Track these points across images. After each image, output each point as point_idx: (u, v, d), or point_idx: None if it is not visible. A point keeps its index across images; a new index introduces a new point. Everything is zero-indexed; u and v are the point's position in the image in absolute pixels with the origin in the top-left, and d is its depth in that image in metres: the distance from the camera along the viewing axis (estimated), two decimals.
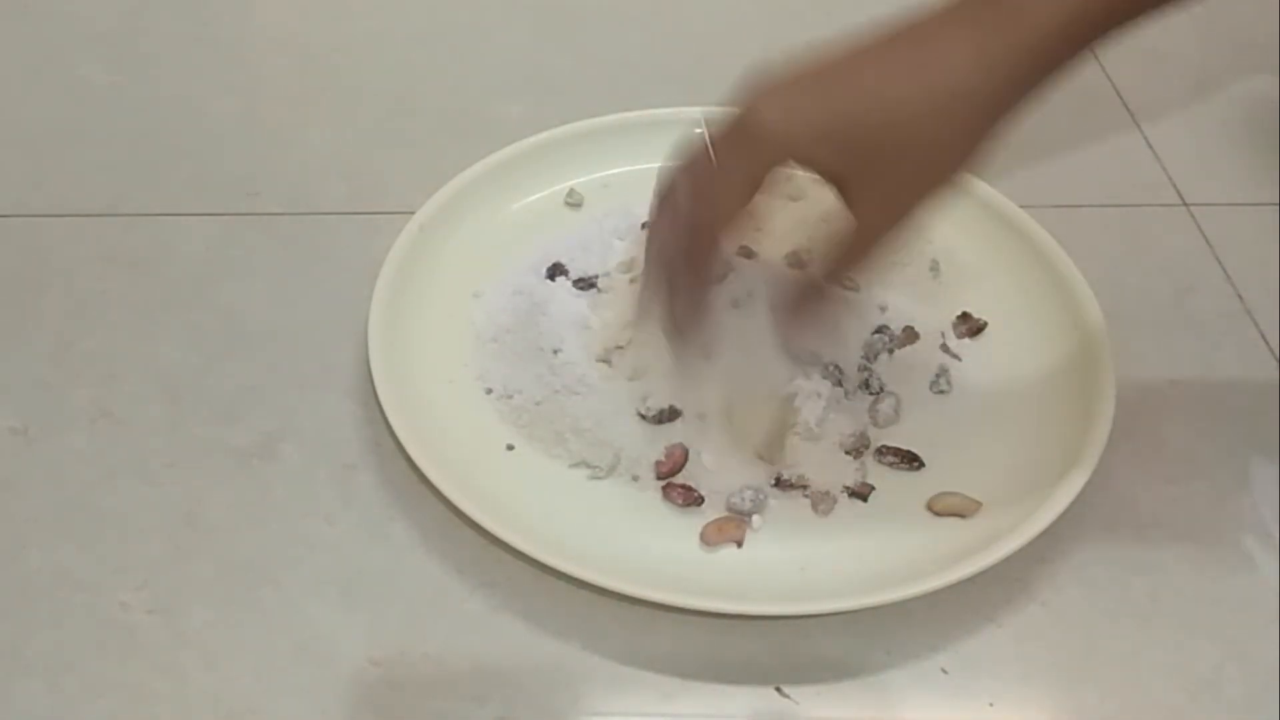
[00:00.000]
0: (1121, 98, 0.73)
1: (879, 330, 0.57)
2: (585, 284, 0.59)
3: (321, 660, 0.47)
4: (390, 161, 0.68)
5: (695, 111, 0.63)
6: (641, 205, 0.62)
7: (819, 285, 0.49)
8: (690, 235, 0.47)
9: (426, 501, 0.51)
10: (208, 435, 0.54)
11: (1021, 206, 0.61)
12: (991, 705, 0.46)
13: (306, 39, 0.77)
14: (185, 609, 0.48)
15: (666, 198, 0.48)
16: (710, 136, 0.46)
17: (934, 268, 0.61)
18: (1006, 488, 0.51)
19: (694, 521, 0.50)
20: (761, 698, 0.46)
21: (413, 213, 0.60)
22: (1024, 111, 0.45)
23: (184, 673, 0.46)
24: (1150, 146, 0.70)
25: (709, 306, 0.50)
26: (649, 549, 0.50)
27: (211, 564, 0.50)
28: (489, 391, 0.55)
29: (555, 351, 0.55)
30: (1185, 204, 0.67)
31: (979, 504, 0.51)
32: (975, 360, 0.57)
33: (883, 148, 0.44)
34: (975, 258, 0.61)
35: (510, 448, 0.53)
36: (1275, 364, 0.58)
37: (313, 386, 0.56)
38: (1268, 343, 0.59)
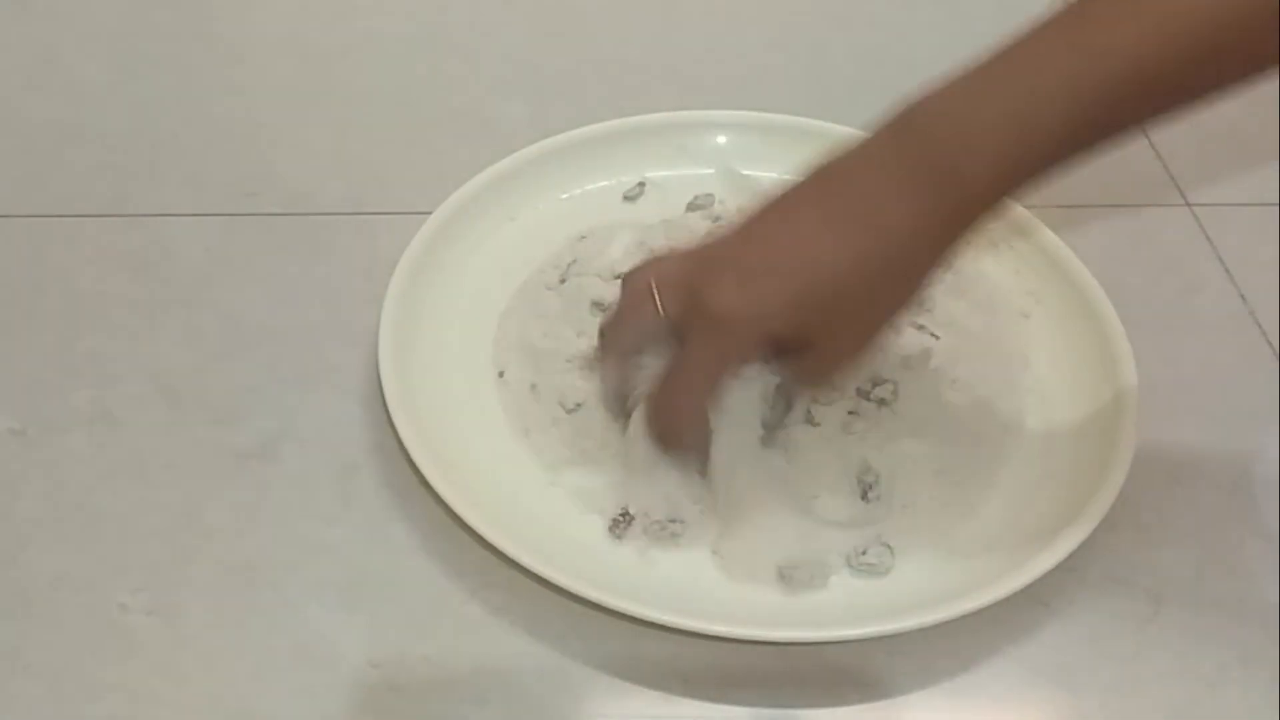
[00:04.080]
0: None
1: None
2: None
3: (321, 662, 0.47)
4: (390, 161, 0.68)
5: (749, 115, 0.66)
6: (675, 203, 0.63)
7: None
8: (671, 421, 0.49)
9: (427, 503, 0.51)
10: (207, 436, 0.54)
11: (1025, 207, 0.61)
12: (995, 708, 0.46)
13: (306, 39, 0.77)
14: (185, 611, 0.48)
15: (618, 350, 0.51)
16: (661, 302, 0.48)
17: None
18: (1015, 509, 0.51)
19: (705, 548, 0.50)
20: (764, 699, 0.46)
21: (413, 213, 0.60)
22: (962, 250, 0.47)
23: (183, 674, 0.46)
24: (1153, 146, 0.70)
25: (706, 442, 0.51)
26: (655, 566, 0.50)
27: (211, 565, 0.50)
28: (501, 375, 0.55)
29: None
30: (1188, 204, 0.67)
31: None
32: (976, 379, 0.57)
33: (839, 313, 0.47)
34: (992, 268, 0.61)
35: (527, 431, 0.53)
36: (1277, 364, 0.58)
37: (313, 387, 0.56)
38: (1270, 343, 0.59)
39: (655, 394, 0.50)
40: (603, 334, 0.52)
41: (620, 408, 0.52)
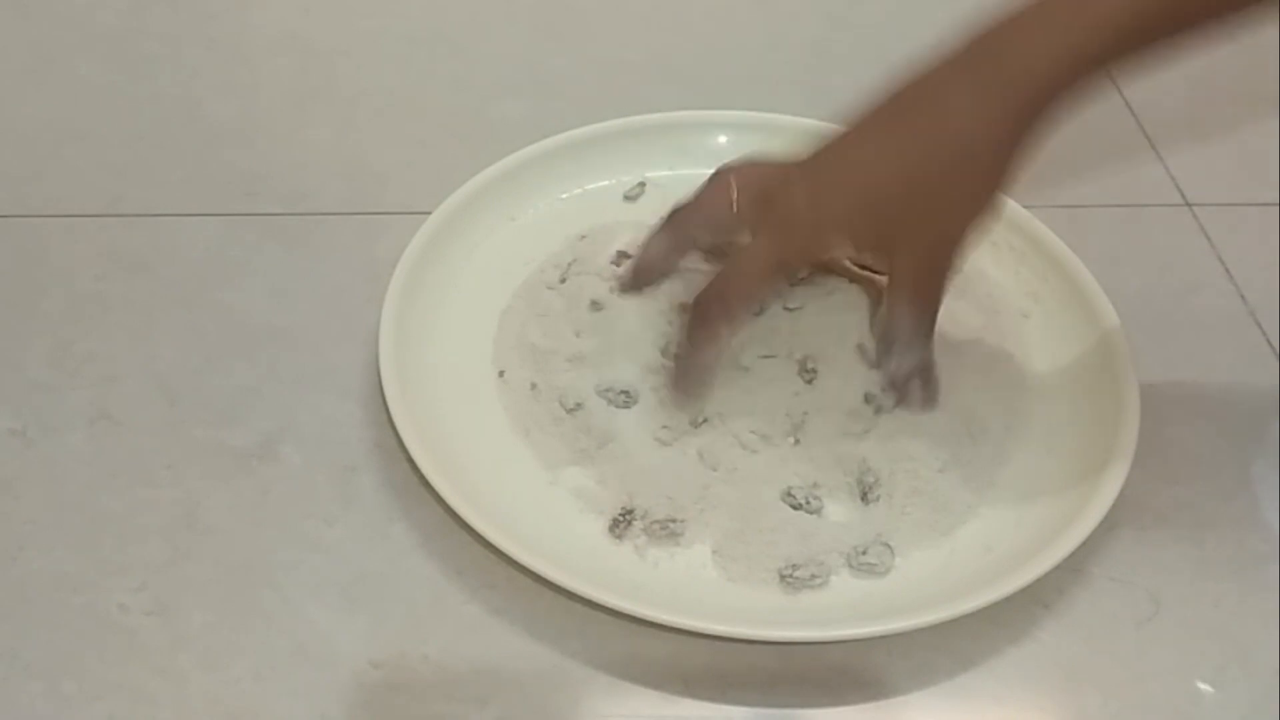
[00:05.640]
0: (1124, 97, 0.73)
1: None
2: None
3: (321, 662, 0.47)
4: (390, 161, 0.68)
5: (752, 116, 0.66)
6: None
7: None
8: (718, 305, 0.51)
9: (427, 503, 0.51)
10: (207, 436, 0.54)
11: (1025, 207, 0.61)
12: (995, 707, 0.46)
13: (306, 39, 0.77)
14: (184, 611, 0.48)
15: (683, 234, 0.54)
16: (738, 201, 0.51)
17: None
18: (1023, 503, 0.51)
19: (706, 548, 0.50)
20: (764, 699, 0.46)
21: (413, 213, 0.60)
22: (1036, 145, 0.47)
23: (183, 675, 0.46)
24: (1153, 146, 0.70)
25: (712, 374, 0.53)
26: (655, 566, 0.50)
27: (211, 566, 0.50)
28: (501, 374, 0.55)
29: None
30: (1188, 204, 0.67)
31: None
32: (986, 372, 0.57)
33: (911, 208, 0.48)
34: (992, 268, 0.61)
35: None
36: (1278, 364, 0.58)
37: (313, 387, 0.56)
38: (1270, 343, 0.59)
39: (711, 281, 0.51)
40: (673, 214, 0.54)
41: (642, 281, 0.55)
